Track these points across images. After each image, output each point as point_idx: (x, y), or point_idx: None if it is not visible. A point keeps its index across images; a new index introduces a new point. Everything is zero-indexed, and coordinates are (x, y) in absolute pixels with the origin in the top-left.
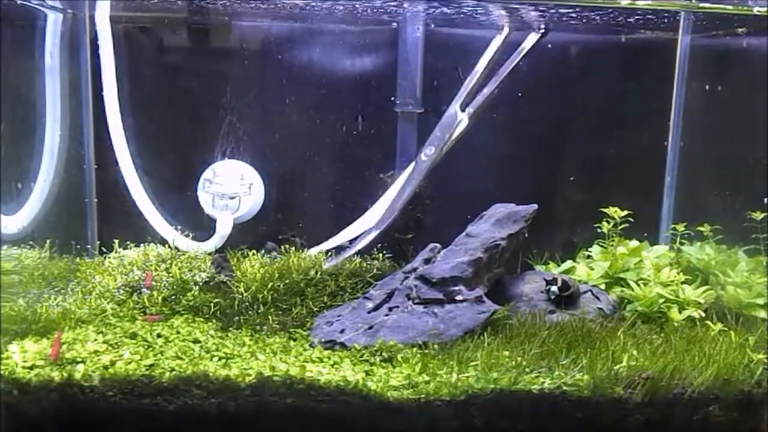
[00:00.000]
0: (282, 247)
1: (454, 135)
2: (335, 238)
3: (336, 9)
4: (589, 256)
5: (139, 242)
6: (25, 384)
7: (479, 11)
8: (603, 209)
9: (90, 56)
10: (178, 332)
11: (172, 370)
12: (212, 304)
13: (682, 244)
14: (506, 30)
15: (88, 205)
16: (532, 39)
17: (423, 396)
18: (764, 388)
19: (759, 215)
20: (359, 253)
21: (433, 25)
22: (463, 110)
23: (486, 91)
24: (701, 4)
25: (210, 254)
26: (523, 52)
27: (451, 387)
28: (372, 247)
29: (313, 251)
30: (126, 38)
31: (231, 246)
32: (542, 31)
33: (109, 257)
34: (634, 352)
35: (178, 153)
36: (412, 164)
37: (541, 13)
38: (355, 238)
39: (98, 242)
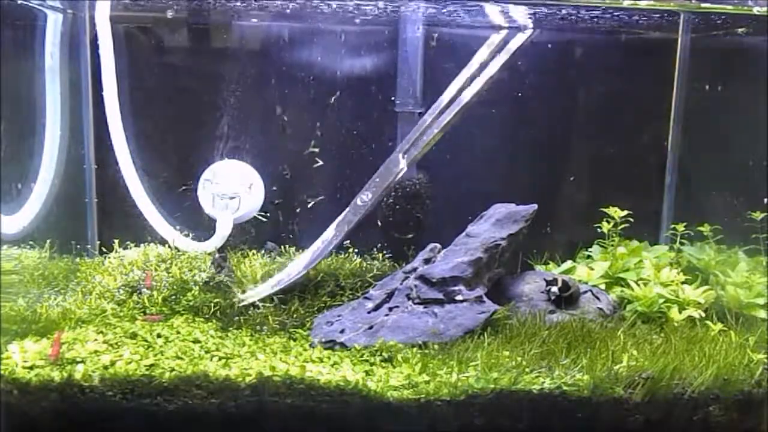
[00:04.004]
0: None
1: (393, 182)
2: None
3: (336, 9)
4: (589, 256)
5: (139, 242)
6: (25, 384)
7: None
8: (603, 209)
9: (90, 56)
10: (178, 332)
11: (172, 370)
12: (212, 304)
13: (682, 244)
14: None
15: (88, 205)
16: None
17: (423, 396)
18: (764, 388)
19: (759, 215)
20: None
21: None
22: (403, 157)
23: (426, 138)
24: (701, 4)
25: (210, 254)
26: (475, 92)
27: (451, 387)
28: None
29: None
30: (126, 38)
31: (231, 246)
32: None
33: (109, 257)
34: (634, 352)
35: (178, 153)
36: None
37: (532, 14)
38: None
39: (98, 242)
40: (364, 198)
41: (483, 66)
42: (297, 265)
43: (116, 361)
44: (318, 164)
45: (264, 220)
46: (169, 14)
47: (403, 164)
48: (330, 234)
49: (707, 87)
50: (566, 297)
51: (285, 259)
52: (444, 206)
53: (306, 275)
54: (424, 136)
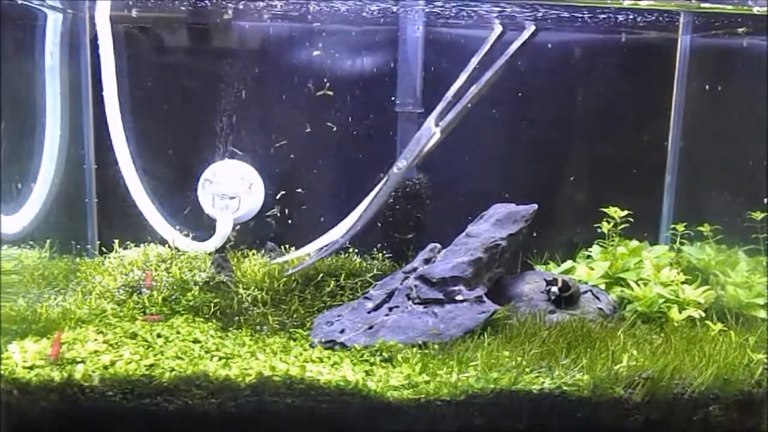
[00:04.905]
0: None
1: (426, 149)
2: (304, 247)
3: (336, 9)
4: (589, 256)
5: (139, 242)
6: (25, 384)
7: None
8: (603, 209)
9: (90, 56)
10: (178, 332)
11: (172, 370)
12: (212, 304)
13: (682, 244)
14: (488, 43)
15: (88, 205)
16: (508, 53)
17: (423, 396)
18: (764, 388)
19: (759, 215)
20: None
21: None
22: (437, 125)
23: (460, 106)
24: (701, 4)
25: (210, 254)
26: (500, 67)
27: (451, 387)
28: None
29: (281, 260)
30: (126, 38)
31: (231, 246)
32: (529, 33)
33: (109, 257)
34: (634, 352)
35: (178, 153)
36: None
37: (533, 13)
38: (323, 247)
39: (98, 242)
40: (400, 165)
41: (506, 43)
42: (338, 231)
43: (116, 361)
44: (332, 127)
45: (274, 215)
46: (134, 13)
47: (435, 131)
48: (367, 203)
49: (707, 87)
50: (566, 297)
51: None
52: (444, 206)
53: (306, 275)
54: (456, 105)
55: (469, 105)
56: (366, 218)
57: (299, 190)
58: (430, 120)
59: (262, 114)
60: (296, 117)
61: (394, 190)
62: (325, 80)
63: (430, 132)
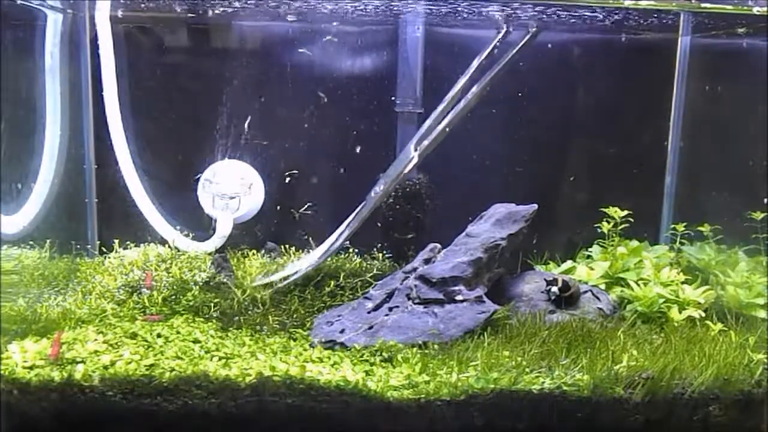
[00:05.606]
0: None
1: (404, 172)
2: (286, 268)
3: (337, 9)
4: (589, 256)
5: (139, 242)
6: (25, 384)
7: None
8: (603, 209)
9: (90, 56)
10: (178, 332)
11: (172, 370)
12: (212, 304)
13: (682, 244)
14: (472, 69)
15: (88, 205)
16: (492, 72)
17: (423, 396)
18: (764, 388)
19: (759, 215)
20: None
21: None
22: (415, 149)
23: (438, 129)
24: (702, 4)
25: (210, 254)
26: (482, 88)
27: (451, 387)
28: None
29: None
30: (126, 38)
31: (231, 246)
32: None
33: (109, 257)
34: (634, 352)
35: (178, 153)
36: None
37: (538, 14)
38: (293, 273)
39: (98, 242)
40: (377, 189)
41: (490, 61)
42: (313, 256)
43: (116, 361)
44: (324, 99)
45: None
46: (120, 13)
47: (413, 155)
48: (344, 226)
49: (707, 87)
50: (566, 297)
51: (285, 260)
52: (444, 206)
53: (306, 275)
54: (435, 129)
55: (448, 130)
56: (339, 243)
57: (314, 179)
58: (411, 144)
59: (262, 113)
60: (296, 117)
61: (394, 191)
62: (325, 80)
63: (409, 156)
